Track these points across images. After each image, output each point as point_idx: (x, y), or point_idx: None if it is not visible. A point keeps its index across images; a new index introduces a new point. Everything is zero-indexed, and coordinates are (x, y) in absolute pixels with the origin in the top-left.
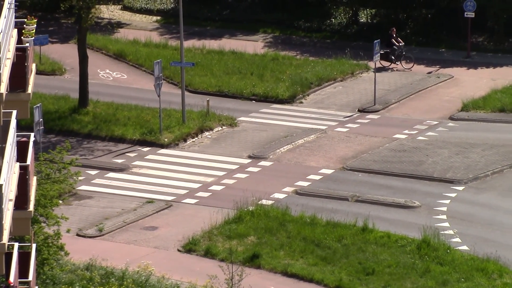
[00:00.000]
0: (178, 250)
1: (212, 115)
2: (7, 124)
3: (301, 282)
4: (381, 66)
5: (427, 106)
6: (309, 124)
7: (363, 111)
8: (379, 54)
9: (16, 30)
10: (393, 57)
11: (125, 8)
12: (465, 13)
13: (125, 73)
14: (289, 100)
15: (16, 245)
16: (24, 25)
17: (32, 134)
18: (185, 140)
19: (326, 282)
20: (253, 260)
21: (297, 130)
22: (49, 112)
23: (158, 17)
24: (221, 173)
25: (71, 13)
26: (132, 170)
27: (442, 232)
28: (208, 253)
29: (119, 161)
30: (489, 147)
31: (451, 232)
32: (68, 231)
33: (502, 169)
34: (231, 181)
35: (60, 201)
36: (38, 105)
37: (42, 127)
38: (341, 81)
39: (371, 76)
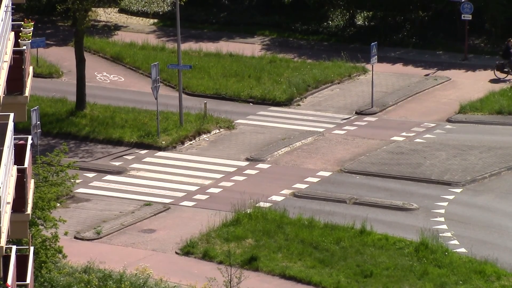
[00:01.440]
0: (176, 253)
1: (210, 117)
2: (4, 127)
3: (299, 284)
4: (496, 78)
5: (424, 108)
6: (306, 126)
7: (360, 113)
8: (376, 56)
9: (13, 33)
10: (510, 69)
11: (122, 10)
12: (462, 15)
13: (122, 75)
14: (287, 102)
15: (14, 248)
16: (21, 28)
17: (30, 137)
18: (182, 143)
19: (324, 284)
20: (251, 263)
21: (295, 132)
22: (46, 115)
23: (155, 20)
24: (218, 176)
25: (68, 16)
26: (130, 173)
27: (440, 234)
28: (206, 256)
29: (117, 163)
30: (487, 150)
31: (449, 234)
32: (66, 233)
33: (500, 172)
34: (228, 184)
35: (58, 204)
36: (35, 108)
37: (40, 130)
38: (339, 83)
39: (368, 78)
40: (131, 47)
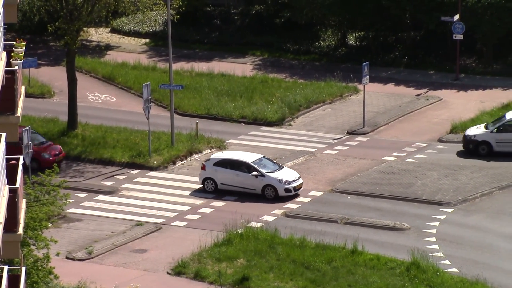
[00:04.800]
0: (168, 273)
1: (201, 137)
2: None
3: None
4: None
5: (416, 128)
6: (298, 146)
7: (352, 133)
8: (367, 76)
9: (5, 53)
10: None
11: (114, 30)
12: (454, 35)
13: (114, 95)
14: (278, 122)
15: (6, 268)
16: (13, 48)
17: (21, 157)
18: (174, 163)
19: None
20: (242, 283)
21: (286, 152)
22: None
23: (147, 40)
24: (210, 196)
25: (59, 36)
26: (121, 193)
27: (432, 254)
28: (198, 276)
29: (108, 183)
30: (478, 169)
31: (440, 254)
32: (57, 254)
33: (491, 191)
34: (220, 204)
35: (49, 224)
36: (27, 127)
37: (31, 150)
38: (330, 103)
39: (360, 98)
40: (123, 67)
